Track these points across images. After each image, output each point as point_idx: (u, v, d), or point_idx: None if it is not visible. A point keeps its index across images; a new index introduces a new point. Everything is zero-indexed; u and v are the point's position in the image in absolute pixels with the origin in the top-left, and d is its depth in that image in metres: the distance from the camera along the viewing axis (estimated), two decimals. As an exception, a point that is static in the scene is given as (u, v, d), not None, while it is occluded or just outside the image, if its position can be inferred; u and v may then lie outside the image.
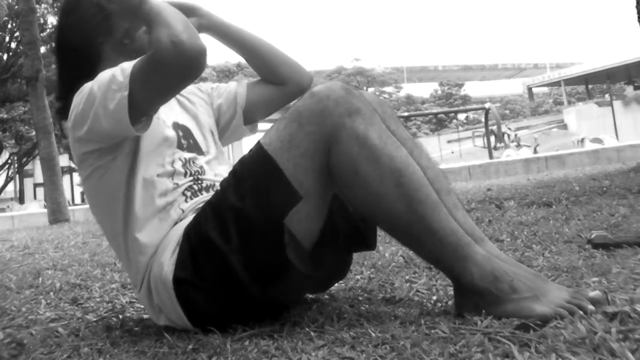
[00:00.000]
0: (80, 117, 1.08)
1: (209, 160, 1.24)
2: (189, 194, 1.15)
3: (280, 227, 0.98)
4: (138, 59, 1.04)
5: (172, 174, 1.15)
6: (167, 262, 1.06)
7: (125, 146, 1.12)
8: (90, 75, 1.12)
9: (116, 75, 1.03)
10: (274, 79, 1.36)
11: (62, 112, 1.20)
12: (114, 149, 1.11)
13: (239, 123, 1.37)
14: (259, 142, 1.04)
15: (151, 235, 1.11)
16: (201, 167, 1.20)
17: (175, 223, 1.12)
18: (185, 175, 1.17)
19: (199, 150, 1.24)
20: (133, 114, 1.02)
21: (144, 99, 1.03)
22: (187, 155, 1.19)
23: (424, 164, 1.11)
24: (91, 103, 1.05)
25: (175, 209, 1.13)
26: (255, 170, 1.02)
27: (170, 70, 0.99)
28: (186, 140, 1.22)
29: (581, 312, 0.87)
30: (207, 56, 1.01)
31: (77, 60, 1.22)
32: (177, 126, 1.22)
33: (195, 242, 1.04)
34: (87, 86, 1.09)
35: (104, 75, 1.06)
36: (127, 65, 1.04)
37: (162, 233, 1.11)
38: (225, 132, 1.38)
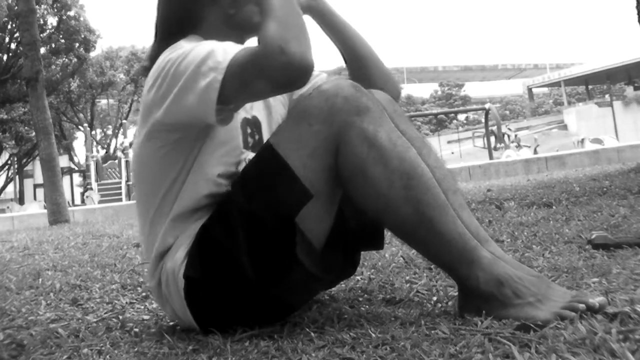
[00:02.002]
0: (168, 83, 1.00)
1: None
2: None
3: (290, 227, 0.97)
4: (245, 47, 0.97)
5: (232, 176, 1.10)
6: (180, 259, 1.04)
7: (196, 130, 1.05)
8: (187, 35, 1.07)
9: (216, 51, 0.96)
10: (364, 83, 1.26)
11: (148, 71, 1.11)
12: (185, 129, 1.04)
13: None
14: (268, 141, 1.03)
15: (178, 229, 1.07)
16: None
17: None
18: None
19: None
20: (220, 100, 0.95)
21: (234, 91, 0.96)
22: (251, 155, 1.13)
23: (432, 163, 1.10)
24: (182, 71, 0.98)
25: (211, 208, 1.08)
26: (265, 170, 1.01)
27: (270, 77, 0.93)
28: (252, 138, 1.16)
29: (583, 310, 0.87)
30: (312, 72, 0.94)
31: (178, 13, 1.16)
32: (246, 122, 1.16)
33: (206, 242, 1.02)
34: (182, 47, 1.02)
35: (203, 46, 0.99)
36: (232, 48, 0.97)
37: (186, 228, 1.08)
38: None
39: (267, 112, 1.24)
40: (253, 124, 1.18)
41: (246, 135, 1.15)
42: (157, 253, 1.09)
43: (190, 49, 1.00)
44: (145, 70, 1.13)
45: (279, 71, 0.91)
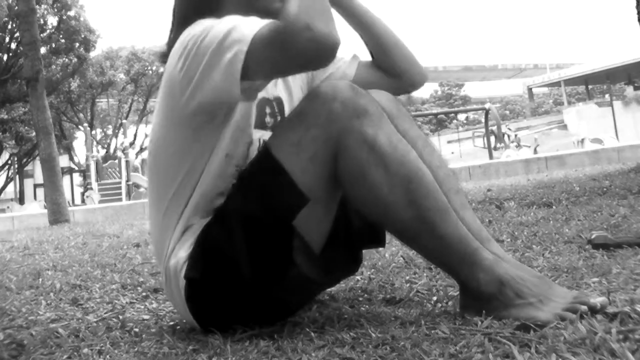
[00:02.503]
0: (191, 61, 0.97)
1: None
2: None
3: (288, 230, 0.97)
4: (269, 22, 0.94)
5: (242, 157, 1.07)
6: (183, 259, 1.03)
7: (220, 113, 1.02)
8: (204, 15, 1.05)
9: (240, 25, 0.94)
10: (389, 70, 1.26)
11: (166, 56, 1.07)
12: (209, 112, 1.01)
13: None
14: (266, 144, 1.03)
15: (190, 220, 1.05)
16: None
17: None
18: None
19: None
20: (243, 75, 0.93)
21: (258, 65, 0.93)
22: (268, 135, 1.09)
23: (434, 163, 1.09)
24: (206, 47, 0.95)
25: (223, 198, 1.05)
26: (262, 173, 1.00)
27: (295, 52, 0.90)
28: (273, 117, 1.13)
29: (584, 311, 0.87)
30: (338, 50, 0.91)
31: None
32: (265, 102, 1.14)
33: (207, 243, 1.02)
34: (203, 24, 0.99)
35: (226, 21, 0.97)
36: (257, 22, 0.95)
37: (195, 221, 1.06)
38: None
39: (288, 93, 1.22)
40: (275, 104, 1.16)
41: (263, 115, 1.12)
42: (168, 242, 1.07)
43: (213, 25, 0.98)
44: (163, 56, 1.11)
45: (305, 46, 0.89)
